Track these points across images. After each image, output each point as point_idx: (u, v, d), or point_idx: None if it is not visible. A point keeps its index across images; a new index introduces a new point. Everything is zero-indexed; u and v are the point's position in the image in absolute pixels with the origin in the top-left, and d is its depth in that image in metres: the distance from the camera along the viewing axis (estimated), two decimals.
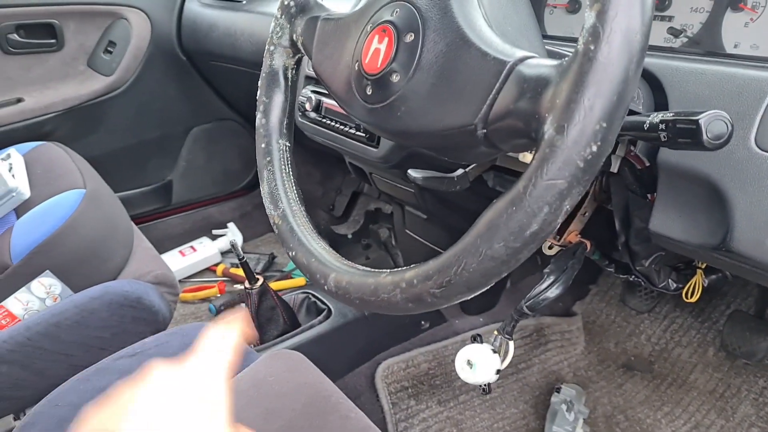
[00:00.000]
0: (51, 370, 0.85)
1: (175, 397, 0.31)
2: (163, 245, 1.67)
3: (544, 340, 1.19)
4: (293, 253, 0.54)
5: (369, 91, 0.49)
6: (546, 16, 0.79)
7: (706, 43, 0.64)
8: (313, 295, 1.17)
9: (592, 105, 0.33)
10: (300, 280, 1.58)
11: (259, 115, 0.62)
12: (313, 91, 0.96)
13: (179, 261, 1.63)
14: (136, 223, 1.60)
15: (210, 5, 1.44)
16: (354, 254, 1.72)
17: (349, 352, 1.04)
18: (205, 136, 1.70)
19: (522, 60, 0.39)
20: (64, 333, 0.84)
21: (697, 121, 0.38)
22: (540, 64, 0.38)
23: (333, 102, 0.91)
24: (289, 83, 0.63)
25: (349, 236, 1.75)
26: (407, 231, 1.26)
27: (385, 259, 1.65)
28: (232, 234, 1.75)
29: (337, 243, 1.74)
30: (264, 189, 0.60)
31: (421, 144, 0.50)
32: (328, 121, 0.93)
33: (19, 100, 1.33)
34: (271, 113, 0.62)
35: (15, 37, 1.30)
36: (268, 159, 0.61)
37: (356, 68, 0.50)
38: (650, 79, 0.55)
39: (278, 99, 0.62)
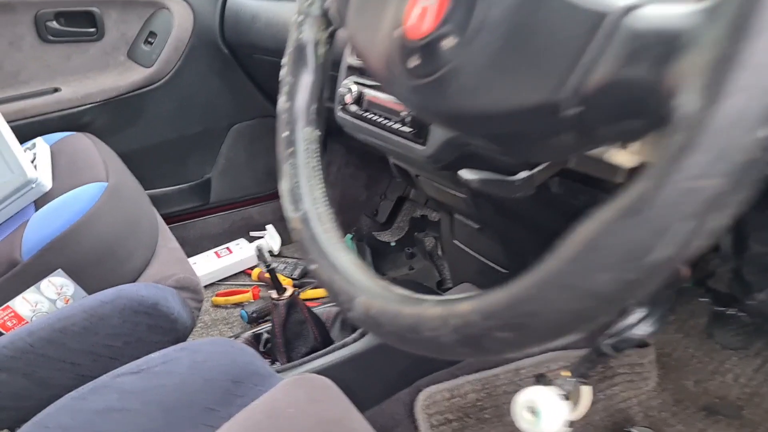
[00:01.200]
0: (56, 379, 0.77)
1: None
2: (199, 245, 1.61)
3: (610, 372, 1.03)
4: (314, 266, 0.43)
5: (413, 63, 0.37)
6: None
7: None
8: None
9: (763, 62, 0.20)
10: None
11: (282, 98, 0.52)
12: (356, 83, 0.86)
13: (214, 262, 1.56)
14: (172, 222, 1.55)
15: None
16: (397, 264, 1.60)
17: (386, 376, 0.93)
18: (248, 133, 1.62)
19: (631, 9, 0.27)
20: (70, 340, 0.76)
21: None
22: (663, 14, 0.26)
23: (375, 94, 0.80)
24: (320, 61, 0.52)
25: (393, 244, 1.63)
26: (456, 242, 1.13)
27: (430, 270, 1.53)
28: (270, 236, 1.66)
29: (379, 251, 1.63)
30: (283, 186, 0.49)
31: (480, 132, 0.37)
32: (370, 116, 0.82)
33: (56, 90, 1.29)
34: (296, 96, 0.51)
35: (54, 25, 1.26)
36: (290, 150, 0.50)
37: (398, 34, 0.39)
38: None
39: (306, 79, 0.52)
